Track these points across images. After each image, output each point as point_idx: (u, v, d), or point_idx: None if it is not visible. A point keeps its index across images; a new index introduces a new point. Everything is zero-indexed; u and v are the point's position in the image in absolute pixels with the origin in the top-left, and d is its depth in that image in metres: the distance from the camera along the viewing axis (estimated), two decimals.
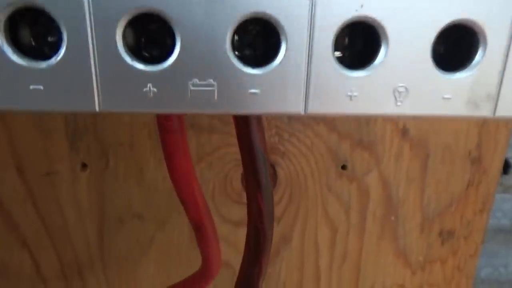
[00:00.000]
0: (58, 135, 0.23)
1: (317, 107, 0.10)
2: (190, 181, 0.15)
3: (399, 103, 0.10)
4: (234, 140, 0.26)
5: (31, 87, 0.09)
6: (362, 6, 0.09)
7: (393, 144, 0.26)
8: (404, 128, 0.25)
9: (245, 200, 0.27)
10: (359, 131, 0.25)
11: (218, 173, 0.25)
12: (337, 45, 0.10)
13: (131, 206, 0.25)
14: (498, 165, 0.27)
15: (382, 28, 0.09)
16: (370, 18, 0.09)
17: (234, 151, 0.25)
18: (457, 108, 0.10)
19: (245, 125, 0.13)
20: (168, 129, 0.14)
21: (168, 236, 0.26)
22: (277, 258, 0.27)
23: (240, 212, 0.27)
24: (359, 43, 0.10)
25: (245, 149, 0.14)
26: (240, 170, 0.26)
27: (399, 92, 0.10)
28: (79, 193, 0.25)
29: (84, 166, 0.24)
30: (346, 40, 0.10)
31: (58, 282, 0.26)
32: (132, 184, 0.25)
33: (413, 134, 0.25)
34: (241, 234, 0.27)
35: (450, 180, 0.27)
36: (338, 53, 0.11)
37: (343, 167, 0.26)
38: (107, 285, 0.27)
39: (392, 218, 0.27)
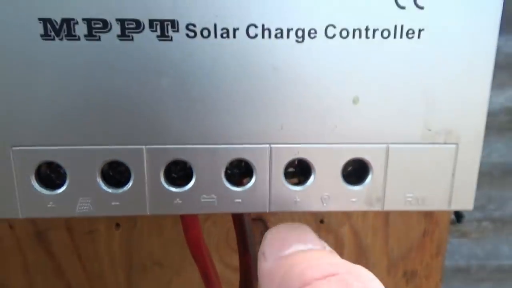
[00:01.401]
0: None
1: (275, 208, 0.17)
2: (200, 244, 0.22)
3: (325, 204, 0.17)
4: None
5: (113, 203, 0.16)
6: (298, 152, 0.16)
7: None
8: None
9: None
10: None
11: (221, 228, 0.32)
12: (290, 166, 0.17)
13: (153, 256, 0.32)
14: (447, 217, 0.33)
15: (311, 163, 0.17)
16: (303, 158, 0.16)
17: None
18: (360, 206, 0.17)
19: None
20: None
21: (183, 280, 0.33)
22: None
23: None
24: (301, 168, 0.17)
25: (238, 227, 0.21)
26: None
27: (324, 198, 0.17)
28: (113, 247, 0.31)
29: (117, 225, 0.31)
30: (295, 162, 0.17)
31: None
32: (154, 239, 0.32)
33: None
34: None
35: (408, 230, 0.33)
36: (291, 169, 0.18)
37: (321, 221, 0.32)
38: None
39: (364, 261, 0.33)
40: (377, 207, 0.17)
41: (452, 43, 0.16)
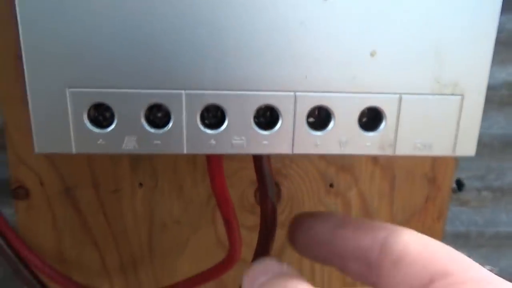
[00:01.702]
0: (123, 161, 0.32)
1: (298, 150, 0.19)
2: (225, 191, 0.24)
3: (342, 148, 0.19)
4: (247, 165, 0.34)
5: (154, 142, 0.18)
6: (320, 100, 0.18)
7: (368, 168, 0.34)
8: (375, 156, 0.34)
9: (256, 210, 0.36)
10: (342, 158, 0.34)
11: (236, 190, 0.34)
12: (310, 116, 0.19)
13: (172, 215, 0.34)
14: (449, 183, 0.35)
15: (331, 110, 0.18)
16: (325, 105, 0.18)
17: (248, 173, 0.34)
18: (373, 150, 0.19)
19: (259, 159, 0.22)
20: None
21: (200, 238, 0.35)
22: (282, 255, 0.36)
23: (253, 220, 0.35)
24: (320, 118, 0.19)
25: (259, 173, 0.23)
26: (253, 188, 0.34)
27: (342, 142, 0.19)
28: (136, 205, 0.33)
29: (140, 185, 0.33)
30: (316, 112, 0.19)
31: (118, 274, 0.35)
32: (174, 198, 0.34)
33: (382, 161, 0.34)
34: (254, 237, 0.35)
35: (412, 195, 0.35)
36: (311, 119, 0.20)
37: (331, 185, 0.35)
38: (154, 275, 0.35)
39: None
40: (388, 152, 0.19)
41: (461, 2, 0.18)
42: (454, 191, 0.39)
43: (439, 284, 0.13)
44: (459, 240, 0.40)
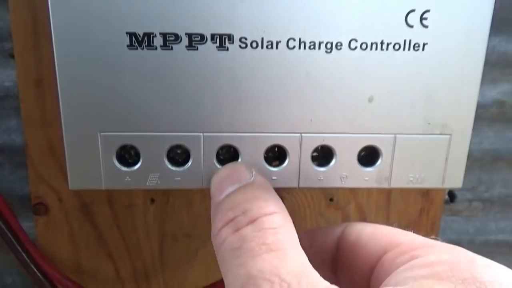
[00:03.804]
0: None
1: (303, 184, 0.21)
2: None
3: (343, 182, 0.21)
4: None
5: (175, 178, 0.20)
6: (323, 140, 0.20)
7: None
8: None
9: None
10: None
11: None
12: (314, 151, 0.21)
13: (182, 229, 0.36)
14: (442, 197, 0.37)
15: (333, 148, 0.21)
16: (327, 144, 0.21)
17: None
18: (371, 184, 0.21)
19: None
20: None
21: (208, 250, 0.37)
22: None
23: None
24: (323, 153, 0.22)
25: None
26: None
27: (343, 177, 0.21)
28: (148, 219, 0.36)
29: (152, 200, 0.35)
30: (319, 148, 0.22)
31: (131, 283, 0.37)
32: (184, 213, 0.36)
33: None
34: None
35: (407, 208, 0.37)
36: (315, 154, 0.22)
37: (331, 200, 0.37)
38: (165, 285, 0.38)
39: None
40: (385, 185, 0.21)
41: (449, 55, 0.20)
42: (446, 202, 0.41)
43: (391, 253, 0.15)
44: None
